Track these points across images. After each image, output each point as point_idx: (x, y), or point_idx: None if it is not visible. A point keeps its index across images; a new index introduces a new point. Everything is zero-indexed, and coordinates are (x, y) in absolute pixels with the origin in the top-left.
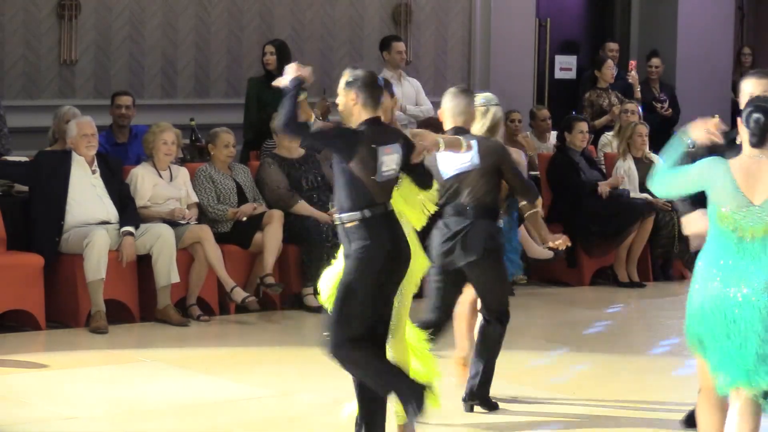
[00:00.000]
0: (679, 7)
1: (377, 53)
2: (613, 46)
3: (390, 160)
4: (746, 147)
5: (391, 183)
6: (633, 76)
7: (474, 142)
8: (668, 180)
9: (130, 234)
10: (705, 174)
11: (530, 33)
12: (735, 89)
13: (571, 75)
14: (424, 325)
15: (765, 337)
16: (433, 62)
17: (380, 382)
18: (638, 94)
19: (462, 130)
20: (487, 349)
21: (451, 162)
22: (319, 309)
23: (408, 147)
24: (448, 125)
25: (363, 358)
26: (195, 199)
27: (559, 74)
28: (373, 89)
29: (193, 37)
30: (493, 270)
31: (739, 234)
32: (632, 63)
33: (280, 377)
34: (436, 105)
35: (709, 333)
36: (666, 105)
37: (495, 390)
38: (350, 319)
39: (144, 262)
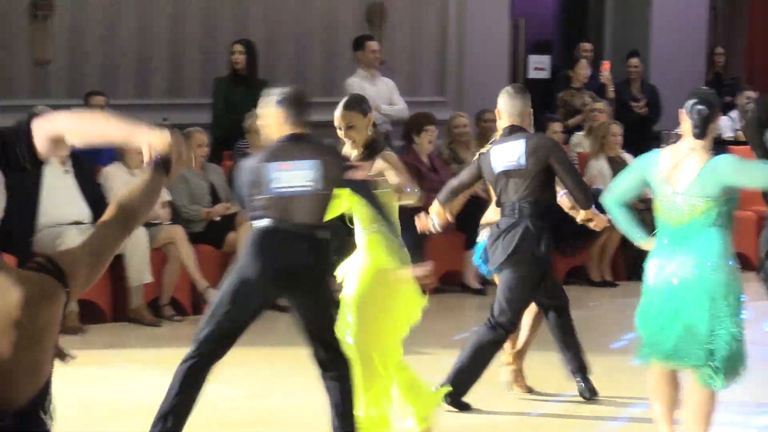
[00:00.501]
0: (653, 7)
1: (350, 53)
2: (587, 46)
3: (289, 176)
4: (689, 139)
5: (297, 201)
6: (605, 76)
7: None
8: (615, 186)
9: None
10: (641, 167)
11: (504, 33)
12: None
13: (545, 75)
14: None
15: (693, 317)
16: (408, 62)
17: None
18: (611, 94)
19: (518, 128)
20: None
21: (501, 158)
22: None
23: (337, 164)
24: (504, 123)
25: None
26: (168, 198)
27: (533, 74)
28: (299, 107)
29: (167, 37)
30: (514, 277)
31: (668, 221)
32: (605, 63)
33: (252, 378)
34: (411, 104)
35: (653, 315)
36: (642, 104)
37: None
38: (210, 318)
39: (117, 262)
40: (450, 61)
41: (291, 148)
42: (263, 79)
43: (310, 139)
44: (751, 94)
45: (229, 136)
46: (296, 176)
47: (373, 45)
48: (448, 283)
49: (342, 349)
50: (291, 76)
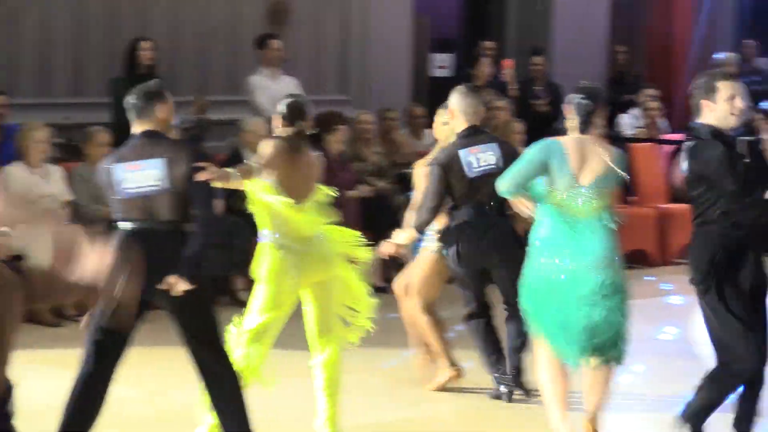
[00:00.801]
0: (555, 5)
1: (253, 52)
2: (489, 44)
3: (140, 176)
4: (575, 134)
5: (153, 200)
6: (507, 74)
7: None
8: (511, 175)
9: (4, 234)
10: (545, 155)
11: (407, 31)
12: (609, 87)
13: (448, 73)
14: None
15: (591, 312)
16: (311, 60)
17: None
18: (513, 92)
19: (480, 130)
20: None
21: (475, 161)
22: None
23: (184, 162)
24: (461, 124)
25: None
26: (69, 197)
27: (435, 72)
28: (145, 100)
29: (69, 35)
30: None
31: (569, 213)
32: (507, 62)
33: (151, 377)
34: (314, 103)
35: (541, 306)
36: (545, 102)
37: (389, 386)
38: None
39: (18, 263)
40: (353, 60)
41: (140, 147)
42: (162, 81)
43: (160, 137)
44: (652, 91)
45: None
46: (144, 176)
47: (275, 43)
48: None
49: (223, 352)
50: (193, 75)
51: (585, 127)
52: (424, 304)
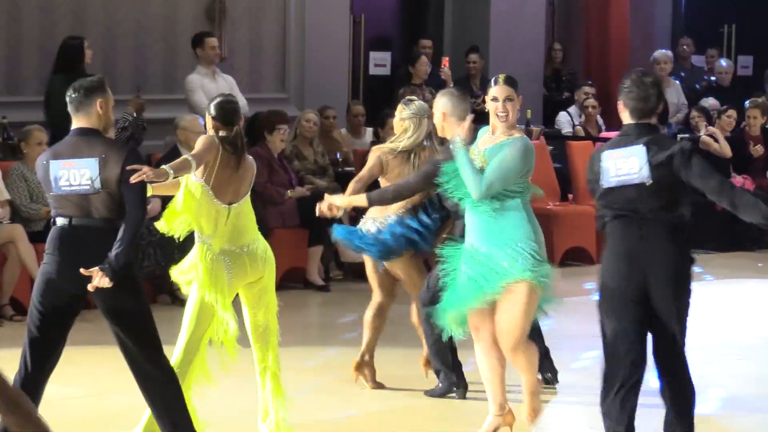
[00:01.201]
0: (492, 3)
1: (191, 50)
2: (426, 42)
3: (73, 174)
4: None
5: (87, 198)
6: (445, 72)
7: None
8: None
9: None
10: None
11: (345, 29)
12: (547, 84)
13: (386, 71)
14: None
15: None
16: (248, 59)
17: None
18: None
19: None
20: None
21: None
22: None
23: (116, 162)
24: (451, 130)
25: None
26: (7, 196)
27: (373, 70)
28: (85, 94)
29: (4, 34)
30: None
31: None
32: (444, 60)
33: (95, 377)
34: (252, 101)
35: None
36: (481, 99)
37: (321, 385)
38: (28, 324)
39: None
40: (291, 58)
41: (76, 144)
42: (102, 76)
43: (96, 135)
44: (590, 89)
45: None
46: (77, 174)
47: (212, 41)
48: (291, 280)
49: (158, 352)
50: (130, 73)
51: None
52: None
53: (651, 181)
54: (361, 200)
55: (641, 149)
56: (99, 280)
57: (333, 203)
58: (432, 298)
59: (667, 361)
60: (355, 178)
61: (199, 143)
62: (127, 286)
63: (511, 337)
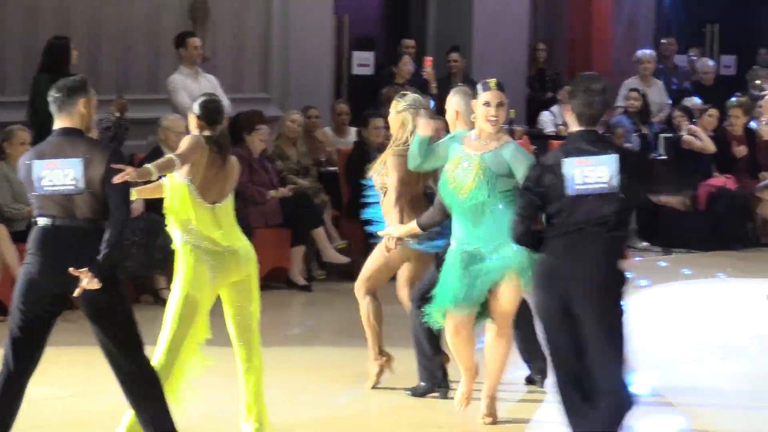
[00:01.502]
0: (475, 3)
1: (174, 50)
2: (409, 42)
3: (57, 174)
4: None
5: (70, 198)
6: (428, 72)
7: None
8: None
9: None
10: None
11: (328, 29)
12: (531, 84)
13: (369, 71)
14: None
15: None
16: (231, 59)
17: None
18: (434, 90)
19: None
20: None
21: None
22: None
23: (100, 163)
24: (464, 126)
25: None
26: None
27: (357, 70)
28: (68, 94)
29: None
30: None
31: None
32: (427, 59)
33: (78, 377)
34: (235, 101)
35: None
36: None
37: (304, 385)
38: (9, 324)
39: None
40: (274, 58)
41: (59, 144)
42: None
43: (80, 135)
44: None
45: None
46: (60, 175)
47: (194, 42)
48: (273, 280)
49: (139, 353)
50: (113, 73)
51: None
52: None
53: (622, 195)
54: (413, 227)
55: (613, 159)
56: (87, 282)
57: (392, 236)
58: (422, 296)
59: (602, 374)
60: (395, 198)
61: (184, 143)
62: (108, 287)
63: (510, 316)
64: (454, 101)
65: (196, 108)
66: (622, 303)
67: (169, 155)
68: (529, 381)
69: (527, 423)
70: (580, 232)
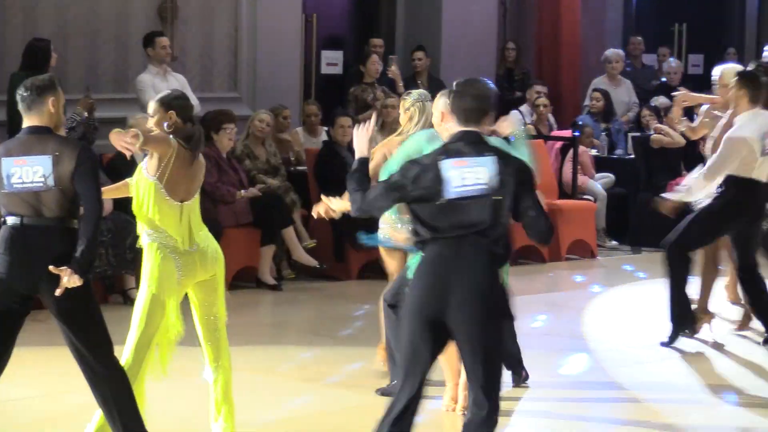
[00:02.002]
0: (444, 3)
1: (142, 50)
2: (377, 41)
3: (26, 171)
4: None
5: (39, 196)
6: (393, 71)
7: None
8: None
9: None
10: None
11: (297, 28)
12: (499, 83)
13: (338, 70)
14: None
15: None
16: (200, 58)
17: None
18: (401, 89)
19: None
20: None
21: None
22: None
23: (70, 159)
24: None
25: None
26: None
27: (325, 69)
28: (37, 93)
29: None
30: None
31: None
32: (392, 58)
33: (45, 378)
34: (204, 100)
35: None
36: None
37: (274, 384)
38: None
39: None
40: (243, 57)
41: (28, 142)
42: (54, 75)
43: (49, 132)
44: (541, 88)
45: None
46: (29, 172)
47: (163, 41)
48: (243, 279)
49: (107, 352)
50: (82, 72)
51: None
52: None
53: (500, 197)
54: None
55: (491, 160)
56: (68, 279)
57: (329, 207)
58: (395, 296)
59: (477, 385)
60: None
61: (155, 136)
62: (77, 286)
63: None
64: (440, 103)
65: (166, 103)
66: (503, 313)
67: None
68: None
69: (509, 415)
70: (460, 237)
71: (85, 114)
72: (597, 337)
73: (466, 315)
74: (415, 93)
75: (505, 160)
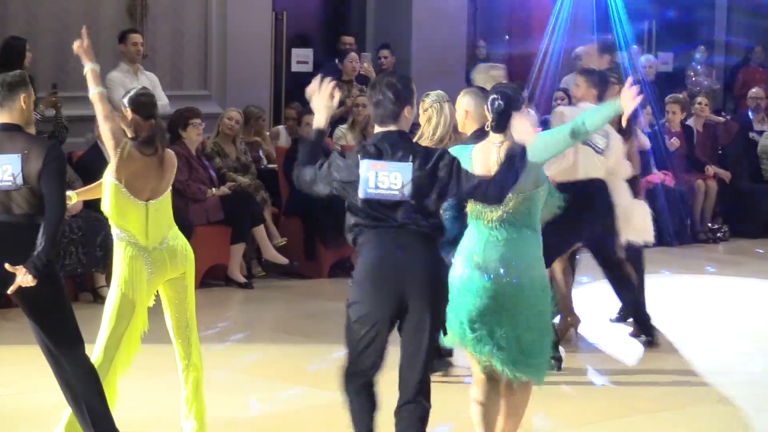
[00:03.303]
0: (414, 0)
1: (113, 47)
2: (348, 39)
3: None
4: (491, 133)
5: (8, 194)
6: (366, 68)
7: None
8: None
9: None
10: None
11: (267, 26)
12: (470, 81)
13: (308, 68)
14: None
15: (516, 321)
16: (170, 56)
17: None
18: None
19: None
20: None
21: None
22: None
23: (38, 157)
24: (472, 125)
25: None
26: None
27: (296, 67)
28: (8, 89)
29: None
30: None
31: (481, 220)
32: (364, 56)
33: (18, 375)
34: (174, 98)
35: (467, 317)
36: None
37: (244, 382)
38: None
39: None
40: (213, 55)
41: (5, 138)
42: (30, 75)
43: (18, 130)
44: (513, 85)
45: None
46: (5, 170)
47: (134, 38)
48: (213, 277)
49: (78, 350)
50: (51, 70)
51: (496, 126)
52: None
53: (413, 201)
54: None
55: (407, 167)
56: (22, 278)
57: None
58: None
59: (408, 377)
60: None
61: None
62: (46, 283)
63: None
64: (464, 101)
65: (127, 102)
66: (447, 301)
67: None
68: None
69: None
70: (387, 228)
71: (54, 112)
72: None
73: (419, 302)
74: (433, 94)
75: (424, 160)
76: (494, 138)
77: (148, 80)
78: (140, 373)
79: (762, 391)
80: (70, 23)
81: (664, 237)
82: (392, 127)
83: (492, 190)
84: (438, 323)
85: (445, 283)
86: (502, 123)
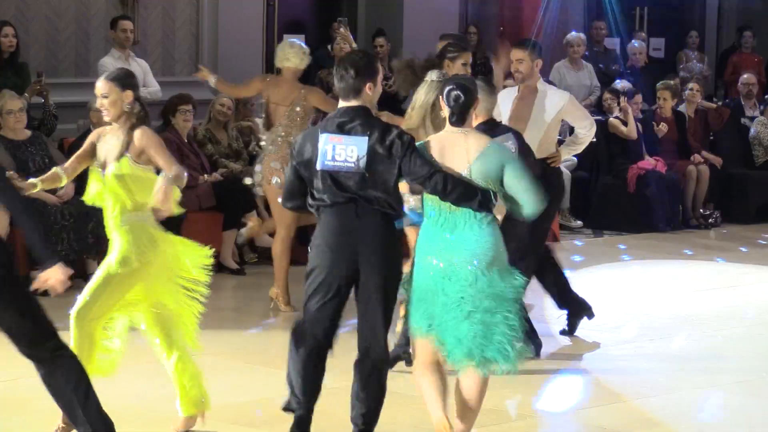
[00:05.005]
0: None
1: (104, 33)
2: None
3: None
4: (447, 125)
5: None
6: (342, 33)
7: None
8: None
9: None
10: None
11: (258, 12)
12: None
13: None
14: None
15: (472, 308)
16: (161, 43)
17: None
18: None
19: (496, 123)
20: None
21: None
22: (45, 293)
23: None
24: (481, 118)
25: None
26: None
27: None
28: None
29: None
30: None
31: (439, 208)
32: (340, 21)
33: (6, 362)
34: (166, 85)
35: (425, 307)
36: (390, 82)
37: (236, 368)
38: None
39: None
40: (204, 41)
41: None
42: (23, 61)
43: None
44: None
45: None
46: None
47: (125, 24)
48: None
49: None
50: (43, 56)
51: (457, 119)
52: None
53: (368, 174)
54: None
55: (363, 140)
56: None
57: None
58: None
59: (363, 346)
60: None
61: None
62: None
63: None
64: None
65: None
66: (401, 275)
67: (54, 168)
68: None
69: None
70: (346, 203)
71: (42, 100)
72: (561, 320)
73: (372, 277)
74: (439, 74)
75: (381, 136)
76: (453, 129)
77: (139, 66)
78: (135, 358)
79: (754, 376)
80: (61, 9)
81: (655, 223)
82: (354, 102)
83: (442, 190)
84: (389, 289)
85: (397, 253)
86: (461, 115)
